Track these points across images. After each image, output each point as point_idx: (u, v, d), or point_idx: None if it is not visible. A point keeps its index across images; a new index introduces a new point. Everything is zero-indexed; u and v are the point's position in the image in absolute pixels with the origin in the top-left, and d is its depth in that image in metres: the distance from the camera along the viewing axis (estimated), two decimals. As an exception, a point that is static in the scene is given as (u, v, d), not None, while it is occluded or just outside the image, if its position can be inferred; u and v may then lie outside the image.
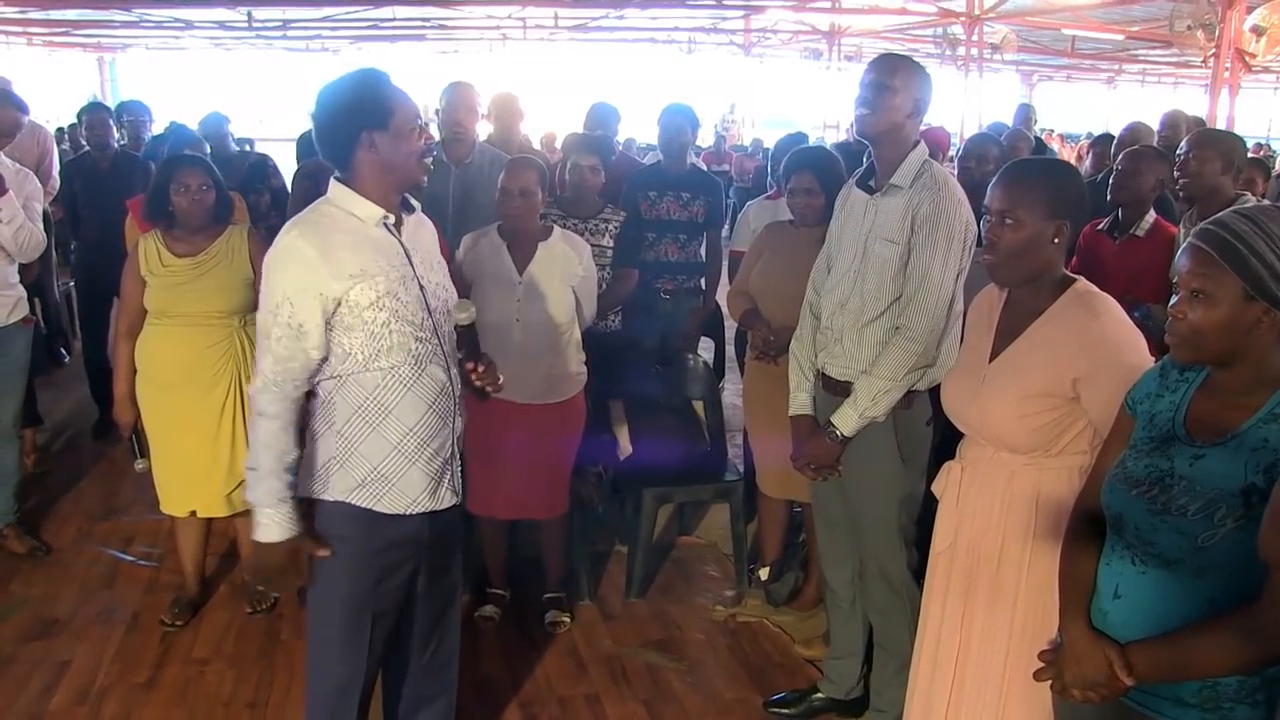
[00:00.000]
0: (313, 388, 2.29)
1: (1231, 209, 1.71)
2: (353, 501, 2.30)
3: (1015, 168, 2.32)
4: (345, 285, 2.18)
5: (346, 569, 2.33)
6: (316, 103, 2.25)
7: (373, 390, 2.26)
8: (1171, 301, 1.71)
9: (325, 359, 2.25)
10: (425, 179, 2.36)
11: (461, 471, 3.65)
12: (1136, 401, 1.87)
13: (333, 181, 2.29)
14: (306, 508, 2.33)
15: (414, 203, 2.41)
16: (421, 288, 2.31)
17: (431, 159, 2.37)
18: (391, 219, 2.28)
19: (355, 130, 2.21)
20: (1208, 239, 1.66)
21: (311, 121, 2.28)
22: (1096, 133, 11.56)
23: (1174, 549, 1.69)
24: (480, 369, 2.38)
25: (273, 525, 2.24)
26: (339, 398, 2.27)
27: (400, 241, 2.30)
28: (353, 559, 2.33)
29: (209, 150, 5.40)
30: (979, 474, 2.36)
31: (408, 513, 2.34)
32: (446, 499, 2.42)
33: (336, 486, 2.30)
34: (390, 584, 2.38)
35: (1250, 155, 4.50)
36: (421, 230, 2.42)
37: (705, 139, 16.29)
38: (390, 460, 2.29)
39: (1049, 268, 2.23)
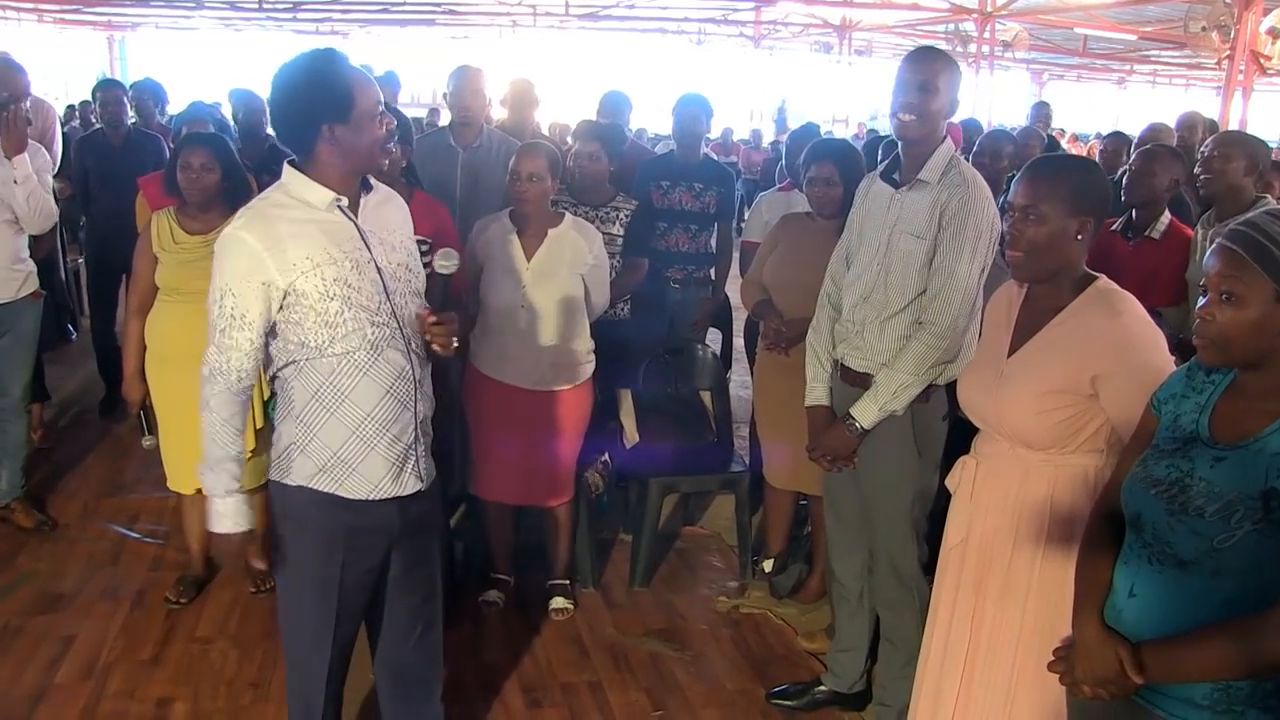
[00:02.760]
0: (274, 374, 2.30)
1: (1262, 210, 1.70)
2: (315, 487, 2.29)
3: (1040, 163, 2.31)
4: (292, 275, 2.16)
5: (313, 552, 2.33)
6: (273, 88, 2.19)
7: (329, 375, 2.23)
8: (1200, 303, 1.70)
9: (281, 345, 2.24)
10: (386, 164, 2.35)
11: (468, 456, 3.70)
12: (1161, 401, 1.86)
13: (286, 167, 2.26)
14: (277, 490, 2.34)
15: (373, 181, 2.36)
16: (379, 270, 2.27)
17: (393, 144, 2.34)
18: (344, 201, 2.24)
19: (316, 123, 2.17)
20: (1238, 240, 1.65)
21: (268, 106, 2.24)
22: (1106, 133, 11.50)
23: (1190, 550, 1.68)
24: (432, 320, 2.32)
25: (222, 516, 2.29)
26: (297, 383, 2.26)
27: (356, 224, 2.26)
28: (318, 542, 2.33)
29: (234, 127, 5.41)
30: (994, 469, 2.35)
31: (371, 498, 2.32)
32: (410, 484, 2.38)
33: (299, 472, 2.30)
34: (358, 569, 2.36)
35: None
36: (383, 209, 2.37)
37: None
38: (350, 445, 2.27)
39: (1071, 264, 2.22)
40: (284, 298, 2.18)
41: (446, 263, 2.33)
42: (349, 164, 2.22)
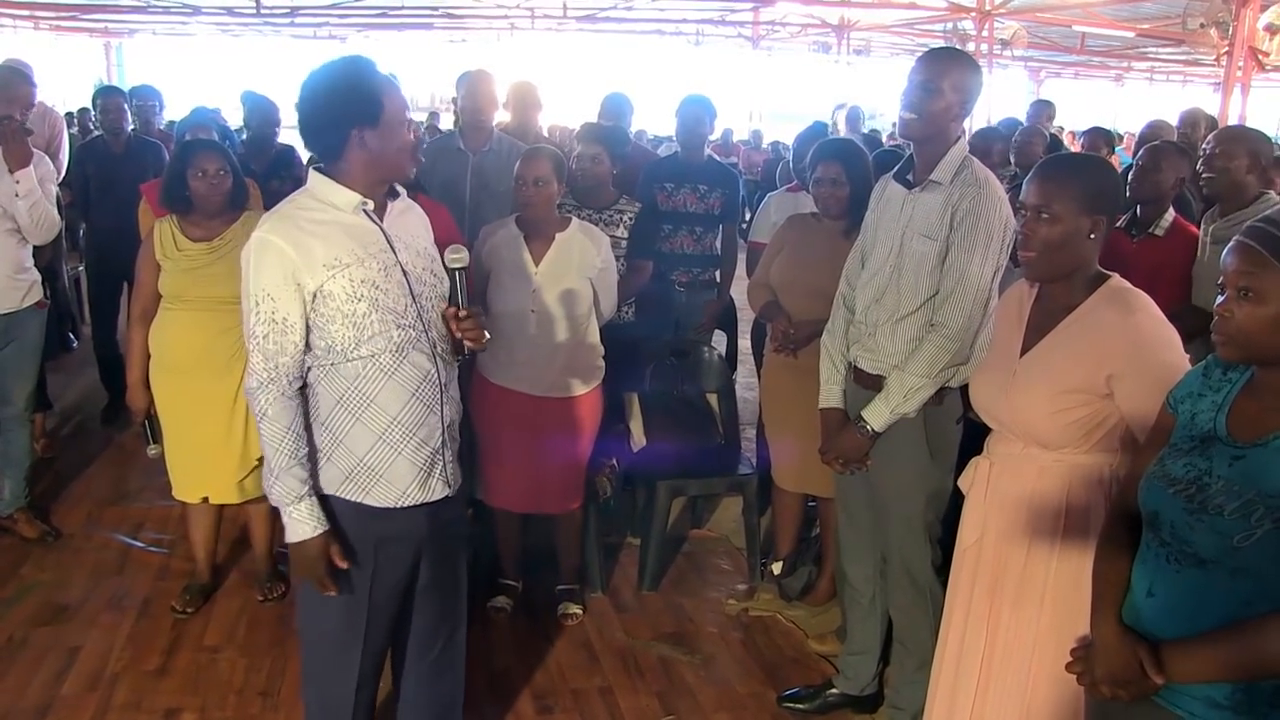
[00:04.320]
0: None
1: (1280, 206, 1.69)
2: (342, 495, 2.28)
3: (1052, 163, 2.30)
4: (320, 277, 2.16)
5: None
6: (302, 94, 2.20)
7: (354, 379, 2.22)
8: (1218, 301, 1.69)
9: (309, 350, 2.22)
10: (413, 172, 2.33)
11: (476, 463, 3.68)
12: (1178, 400, 1.85)
13: (312, 172, 2.26)
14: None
15: (399, 188, 2.36)
16: (405, 274, 2.27)
17: (421, 151, 2.32)
18: (370, 205, 2.24)
19: (346, 127, 2.17)
20: (1257, 236, 1.64)
21: (297, 112, 2.23)
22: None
23: (1209, 549, 1.67)
24: (461, 315, 2.31)
25: (297, 523, 2.22)
26: (322, 388, 2.25)
27: (381, 228, 2.26)
28: (347, 552, 2.29)
29: (241, 130, 5.40)
30: (1007, 470, 2.34)
31: (399, 505, 2.30)
32: (438, 490, 2.37)
33: (325, 480, 2.28)
34: (387, 579, 2.35)
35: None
36: (408, 216, 2.37)
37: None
38: (376, 451, 2.26)
39: (1084, 263, 2.21)
40: (313, 300, 2.18)
41: (457, 256, 2.32)
42: (377, 169, 2.23)
